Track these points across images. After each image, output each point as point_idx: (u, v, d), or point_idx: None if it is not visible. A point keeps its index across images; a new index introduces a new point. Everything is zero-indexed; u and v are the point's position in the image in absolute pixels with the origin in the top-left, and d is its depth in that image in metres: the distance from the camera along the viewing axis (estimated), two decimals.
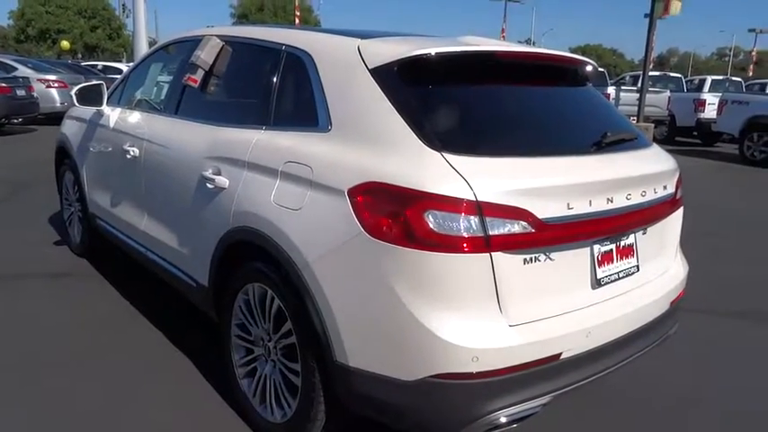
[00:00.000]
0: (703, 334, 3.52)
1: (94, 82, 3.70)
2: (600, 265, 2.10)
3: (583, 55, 2.71)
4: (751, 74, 36.86)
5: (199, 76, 2.86)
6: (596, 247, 2.08)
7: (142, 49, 25.38)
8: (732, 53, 68.49)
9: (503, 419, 1.88)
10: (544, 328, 1.91)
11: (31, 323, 3.32)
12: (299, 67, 2.36)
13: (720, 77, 17.00)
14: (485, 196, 1.77)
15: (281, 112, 2.40)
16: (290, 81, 2.42)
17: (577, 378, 2.02)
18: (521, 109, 2.26)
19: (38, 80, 12.73)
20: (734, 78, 18.25)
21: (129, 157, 3.26)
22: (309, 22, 39.00)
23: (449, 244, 1.75)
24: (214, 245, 2.51)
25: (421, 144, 1.87)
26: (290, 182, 2.13)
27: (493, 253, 1.79)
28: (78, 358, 2.97)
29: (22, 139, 11.33)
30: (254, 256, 2.33)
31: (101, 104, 3.66)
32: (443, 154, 1.83)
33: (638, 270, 2.27)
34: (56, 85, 13.14)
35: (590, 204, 1.98)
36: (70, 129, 4.27)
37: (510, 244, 1.81)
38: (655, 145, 2.53)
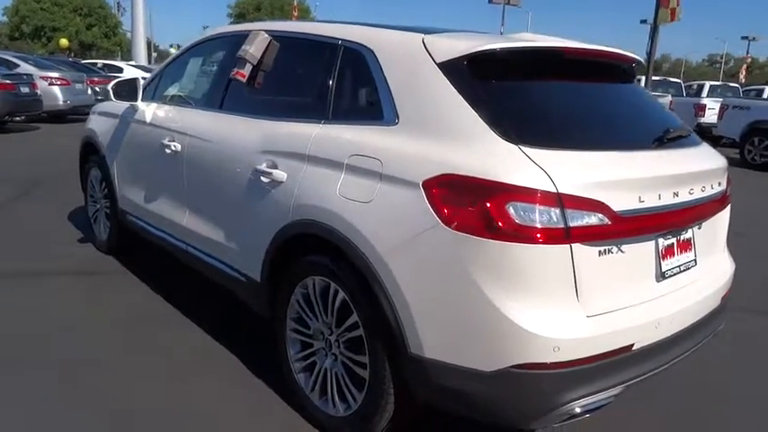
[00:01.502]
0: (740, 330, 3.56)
1: (130, 77, 3.69)
2: (664, 258, 2.13)
3: None
4: (743, 80, 37.24)
5: (247, 70, 2.86)
6: (660, 241, 2.11)
7: (140, 48, 25.36)
8: (723, 60, 69.19)
9: (577, 410, 1.89)
10: (618, 319, 1.93)
11: (67, 321, 3.30)
12: (359, 61, 2.38)
13: (718, 83, 17.19)
14: (565, 188, 1.79)
15: (340, 107, 2.41)
16: (350, 75, 2.43)
17: (646, 369, 2.05)
18: (584, 103, 2.29)
19: (41, 77, 12.63)
20: (731, 84, 18.46)
21: (169, 152, 3.26)
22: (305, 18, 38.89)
23: (531, 235, 1.77)
24: (269, 239, 2.51)
25: (497, 137, 1.89)
26: (357, 175, 2.14)
27: (572, 244, 1.81)
28: (128, 355, 2.95)
29: (25, 137, 11.25)
30: (315, 250, 2.34)
31: (136, 100, 3.65)
32: (521, 147, 1.85)
33: (696, 264, 2.30)
34: (58, 82, 13.06)
35: (659, 198, 2.01)
36: (98, 124, 4.26)
37: (588, 236, 1.83)
38: (704, 143, 2.57)
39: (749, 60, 42.83)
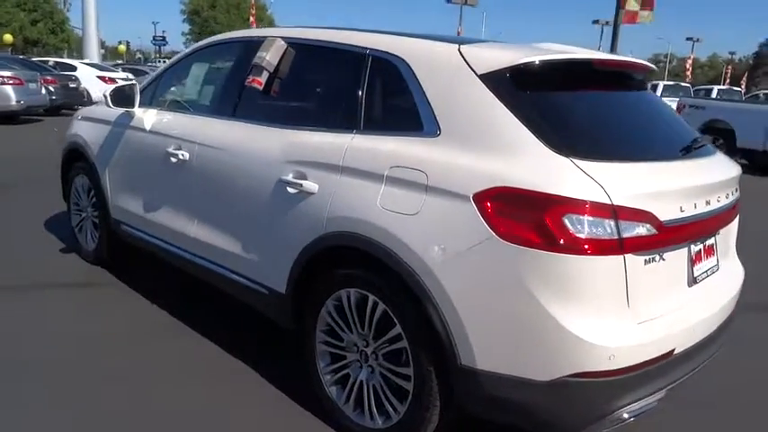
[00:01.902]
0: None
1: (128, 82, 3.56)
2: (694, 264, 2.21)
3: None
4: (688, 79, 38.79)
5: (264, 78, 2.80)
6: (692, 247, 2.18)
7: (93, 46, 24.47)
8: (668, 60, 71.91)
9: (625, 415, 1.95)
10: (661, 325, 1.99)
11: (73, 336, 3.16)
12: (392, 72, 2.36)
13: (671, 83, 17.85)
14: (618, 200, 1.83)
15: (372, 117, 2.39)
16: (382, 86, 2.41)
17: (683, 373, 2.12)
18: (616, 113, 2.35)
19: None
20: (683, 84, 19.21)
21: (174, 160, 3.16)
22: (263, 20, 38.43)
23: (587, 247, 1.80)
24: (298, 251, 2.47)
25: (547, 150, 1.91)
26: (399, 186, 2.13)
27: (625, 255, 1.85)
28: (154, 371, 2.86)
29: None
30: (350, 262, 2.32)
31: (132, 106, 3.52)
32: (572, 159, 1.89)
33: (718, 269, 2.39)
34: (11, 81, 12.46)
35: (695, 207, 2.08)
36: (86, 131, 4.09)
37: (638, 245, 1.88)
38: (719, 151, 2.67)
39: (691, 61, 44.69)
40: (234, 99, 3.01)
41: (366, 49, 2.50)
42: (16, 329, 3.21)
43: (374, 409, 2.32)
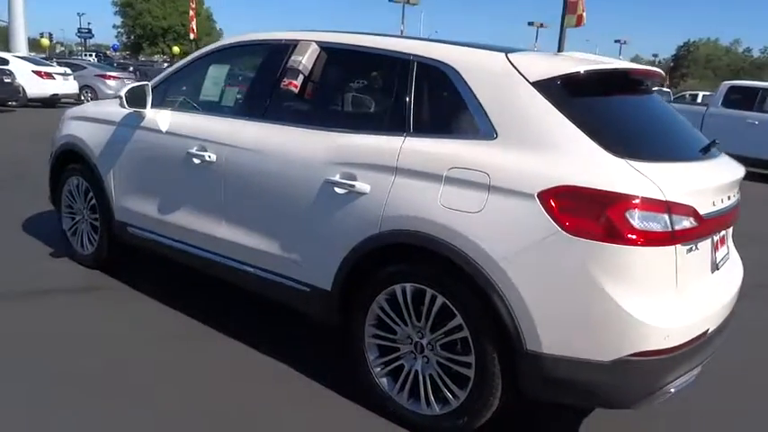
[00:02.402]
0: None
1: (141, 83, 3.51)
2: (715, 252, 2.47)
3: None
4: None
5: (299, 81, 2.88)
6: (714, 237, 2.45)
7: (20, 39, 23.17)
8: None
9: (672, 390, 2.18)
10: (699, 307, 2.24)
11: (96, 342, 3.11)
12: (440, 78, 2.50)
13: None
14: (671, 197, 2.05)
15: (422, 120, 2.52)
16: (430, 91, 2.55)
17: (710, 353, 2.37)
18: (647, 117, 2.59)
19: None
20: None
21: (198, 162, 3.17)
22: (200, 14, 37.48)
23: (647, 238, 2.01)
24: (348, 249, 2.57)
25: (603, 151, 2.11)
26: (461, 186, 2.28)
27: (676, 245, 2.08)
28: (193, 375, 2.87)
29: None
30: (406, 258, 2.45)
31: (145, 106, 3.49)
32: (626, 160, 2.09)
33: (729, 258, 2.68)
34: None
35: (721, 202, 2.34)
36: (84, 131, 3.99)
37: (685, 237, 2.11)
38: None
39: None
40: (265, 101, 3.05)
41: (410, 55, 2.62)
42: (33, 338, 3.12)
43: (431, 397, 2.46)
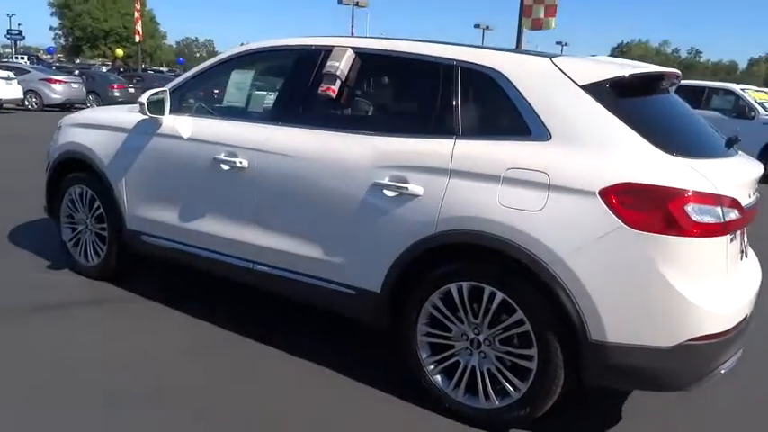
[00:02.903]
0: None
1: (161, 89, 3.44)
2: (742, 243, 2.66)
3: None
4: None
5: (337, 86, 2.91)
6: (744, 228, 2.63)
7: None
8: None
9: (722, 371, 2.34)
10: (741, 293, 2.41)
11: (126, 357, 3.03)
12: (487, 82, 2.59)
13: None
14: (722, 191, 2.21)
15: (470, 123, 2.60)
16: (477, 95, 2.64)
17: (746, 339, 2.55)
18: (679, 116, 2.75)
19: None
20: None
21: (226, 168, 3.15)
22: (144, 16, 36.32)
23: (704, 230, 2.17)
24: (400, 250, 2.62)
25: (656, 149, 2.26)
26: (520, 186, 2.37)
27: (726, 235, 2.24)
28: (235, 384, 2.85)
29: None
30: (462, 257, 2.52)
31: (163, 113, 3.43)
32: (678, 157, 2.24)
33: (748, 249, 2.88)
34: None
35: (753, 195, 2.53)
36: (90, 138, 3.86)
37: (732, 227, 2.28)
38: None
39: None
40: (298, 106, 3.06)
41: (453, 60, 2.70)
42: (66, 356, 3.01)
43: (490, 391, 2.54)
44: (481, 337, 2.55)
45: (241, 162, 3.10)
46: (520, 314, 2.41)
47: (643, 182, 2.20)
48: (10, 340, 3.12)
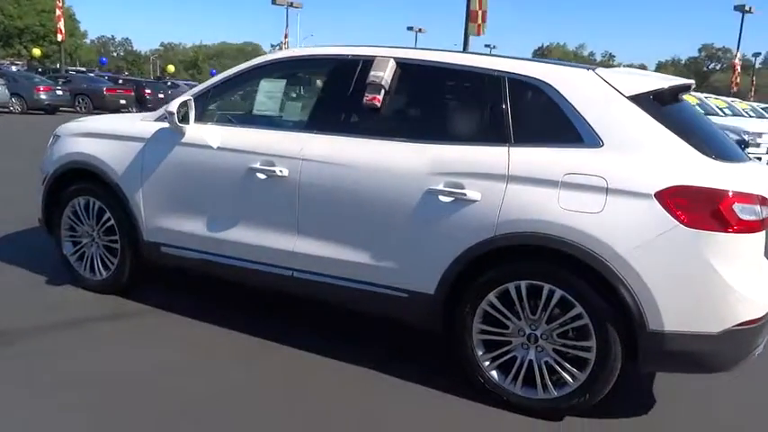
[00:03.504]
0: None
1: (186, 97, 3.38)
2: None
3: None
4: None
5: (381, 96, 2.99)
6: None
7: None
8: None
9: (756, 353, 2.61)
10: None
11: (166, 375, 2.97)
12: (536, 92, 2.76)
13: None
14: (760, 191, 2.48)
15: (523, 131, 2.75)
16: (527, 104, 2.80)
17: None
18: (705, 123, 3.01)
19: None
20: None
21: (263, 177, 3.16)
22: (64, 13, 34.36)
23: (749, 226, 2.43)
24: (457, 253, 2.75)
25: (700, 154, 2.51)
26: (578, 190, 2.55)
27: (763, 231, 2.51)
28: (281, 396, 2.87)
29: None
30: (519, 257, 2.68)
31: (188, 121, 3.39)
32: (720, 161, 2.50)
33: None
34: None
35: None
36: (100, 148, 3.73)
37: (766, 224, 2.55)
38: None
39: None
40: (340, 115, 3.12)
41: (500, 71, 2.84)
42: (104, 376, 2.92)
43: (548, 382, 2.70)
44: (538, 333, 2.71)
45: (281, 171, 3.12)
46: (578, 309, 2.59)
47: (695, 184, 2.43)
48: (45, 362, 2.99)
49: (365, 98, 3.00)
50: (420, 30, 39.76)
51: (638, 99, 2.63)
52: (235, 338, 3.39)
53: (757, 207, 2.46)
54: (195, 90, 3.55)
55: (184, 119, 3.36)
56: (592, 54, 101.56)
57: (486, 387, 2.83)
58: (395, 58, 3.06)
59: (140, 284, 3.96)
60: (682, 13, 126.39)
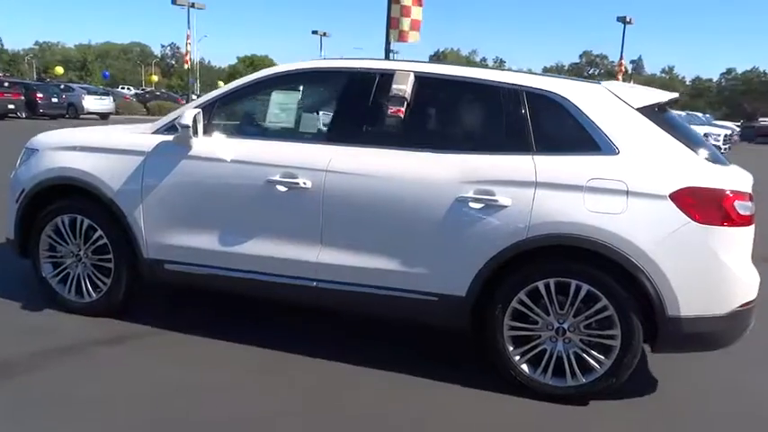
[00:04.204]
0: None
1: (195, 109, 3.30)
2: None
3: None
4: None
5: (404, 108, 3.11)
6: None
7: None
8: None
9: (747, 331, 3.00)
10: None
11: (192, 395, 2.92)
12: (553, 105, 3.01)
13: None
14: (749, 190, 2.87)
15: (544, 141, 2.98)
16: (546, 116, 3.04)
17: None
18: (692, 130, 3.38)
19: None
20: None
21: (284, 189, 3.17)
22: None
23: (744, 220, 2.81)
24: (490, 255, 2.93)
25: (701, 159, 2.86)
26: (602, 193, 2.81)
27: (753, 224, 2.91)
28: (320, 408, 2.90)
29: None
30: (548, 257, 2.90)
31: (197, 134, 3.31)
32: (715, 165, 2.86)
33: None
34: None
35: None
36: (90, 162, 3.52)
37: (754, 218, 2.95)
38: None
39: None
40: (361, 127, 3.20)
41: (519, 86, 3.06)
42: (126, 400, 2.83)
43: (576, 370, 2.95)
44: (566, 326, 2.95)
45: (305, 182, 3.15)
46: (604, 301, 2.86)
47: (703, 185, 2.77)
48: (54, 391, 2.83)
49: (389, 110, 3.10)
50: (324, 34, 39.81)
51: (644, 110, 2.95)
52: (249, 352, 3.36)
53: (749, 203, 2.85)
54: (201, 101, 3.47)
55: (195, 130, 3.28)
56: (484, 59, 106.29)
57: (518, 380, 3.02)
58: (414, 72, 3.19)
59: (129, 305, 3.79)
60: (565, 23, 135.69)
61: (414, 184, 3.04)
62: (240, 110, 3.54)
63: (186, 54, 32.93)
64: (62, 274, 3.74)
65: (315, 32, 39.12)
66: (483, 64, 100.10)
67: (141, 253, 3.51)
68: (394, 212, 3.06)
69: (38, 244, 3.74)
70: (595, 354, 2.93)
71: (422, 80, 3.20)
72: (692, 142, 3.03)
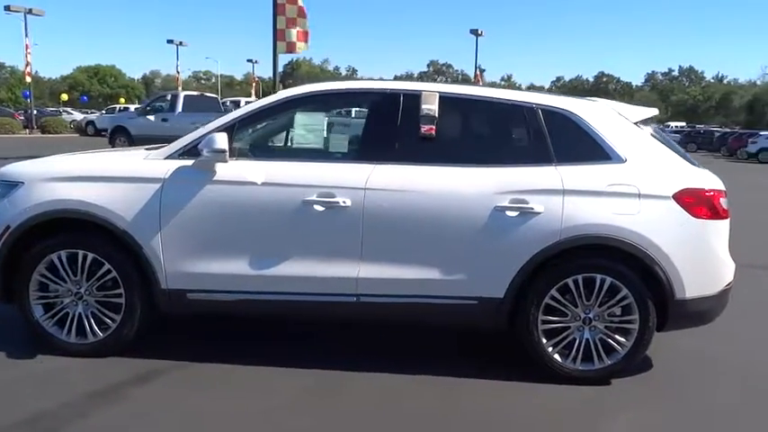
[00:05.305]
0: None
1: (221, 132, 3.20)
2: None
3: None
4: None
5: (434, 126, 3.32)
6: None
7: None
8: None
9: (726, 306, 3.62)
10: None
11: (234, 421, 2.90)
12: (567, 121, 3.39)
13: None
14: (724, 188, 3.48)
15: (562, 153, 3.35)
16: (560, 130, 3.40)
17: None
18: (671, 140, 3.95)
19: None
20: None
21: (322, 209, 3.23)
22: None
23: (726, 214, 3.40)
24: (525, 259, 3.24)
25: (689, 164, 3.42)
26: (620, 197, 3.25)
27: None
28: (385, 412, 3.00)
29: None
30: (577, 255, 3.28)
31: (225, 159, 3.24)
32: (701, 169, 3.45)
33: None
34: None
35: None
36: (98, 192, 3.29)
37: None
38: None
39: (256, 80, 50.65)
40: (394, 145, 3.35)
41: (533, 104, 3.41)
42: None
43: (602, 353, 3.35)
44: (591, 315, 3.34)
45: (344, 201, 3.22)
46: (625, 291, 3.29)
47: (696, 186, 3.32)
48: None
49: (422, 129, 3.29)
50: (181, 43, 38.14)
51: (639, 124, 3.45)
52: (293, 374, 3.35)
53: (726, 199, 3.45)
54: (220, 123, 3.37)
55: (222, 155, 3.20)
56: (337, 68, 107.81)
57: (553, 370, 3.36)
58: (439, 93, 3.41)
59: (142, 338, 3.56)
60: (415, 33, 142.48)
61: (452, 196, 3.26)
62: (262, 132, 3.50)
63: (27, 66, 29.72)
64: (58, 316, 3.41)
65: (170, 42, 37.32)
66: (336, 73, 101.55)
67: (159, 284, 3.33)
68: (433, 224, 3.25)
69: (26, 285, 3.38)
70: (618, 337, 3.36)
71: (445, 100, 3.43)
72: (676, 150, 3.60)
